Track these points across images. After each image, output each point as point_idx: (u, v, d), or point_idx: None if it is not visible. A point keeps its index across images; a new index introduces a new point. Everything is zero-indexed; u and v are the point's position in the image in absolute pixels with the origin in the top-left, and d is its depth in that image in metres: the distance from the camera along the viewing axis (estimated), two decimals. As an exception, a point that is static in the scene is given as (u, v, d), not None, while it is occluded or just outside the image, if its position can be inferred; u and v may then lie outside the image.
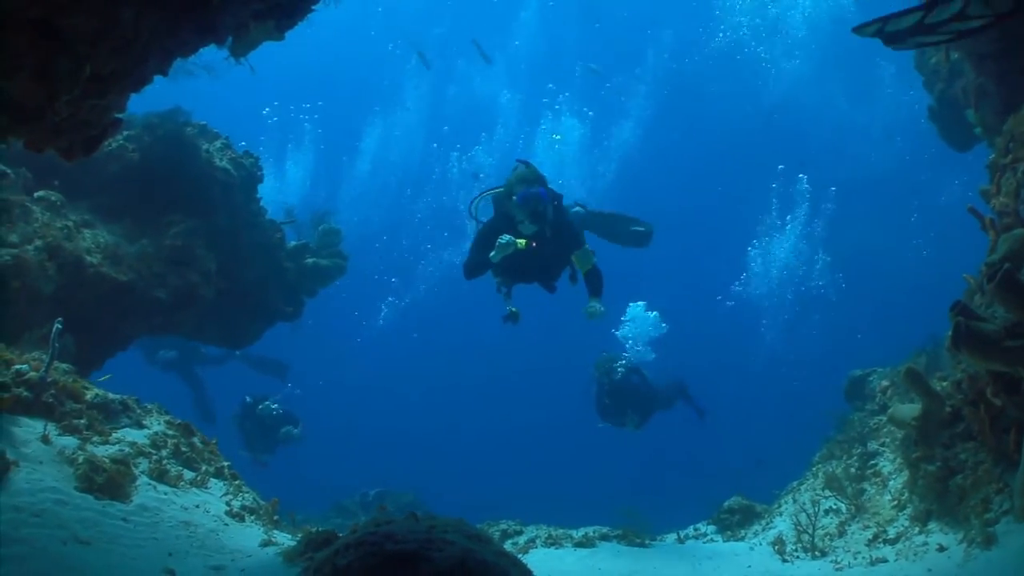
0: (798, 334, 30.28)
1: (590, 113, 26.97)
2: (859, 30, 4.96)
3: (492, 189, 9.58)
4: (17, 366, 6.18)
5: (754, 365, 31.23)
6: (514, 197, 9.01)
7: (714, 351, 28.71)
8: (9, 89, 3.65)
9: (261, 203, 11.92)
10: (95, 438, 6.22)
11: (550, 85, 27.26)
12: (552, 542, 9.61)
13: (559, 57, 30.36)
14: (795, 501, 9.78)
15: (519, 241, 8.88)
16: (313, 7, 5.66)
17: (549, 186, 9.21)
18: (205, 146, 10.90)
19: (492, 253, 8.87)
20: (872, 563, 6.84)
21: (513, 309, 9.31)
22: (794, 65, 26.40)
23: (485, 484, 27.29)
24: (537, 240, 9.04)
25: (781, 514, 9.85)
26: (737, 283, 26.87)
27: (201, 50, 5.04)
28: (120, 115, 4.73)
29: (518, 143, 27.83)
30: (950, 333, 4.70)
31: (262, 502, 7.19)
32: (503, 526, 10.50)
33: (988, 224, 6.12)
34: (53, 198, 8.80)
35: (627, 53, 30.52)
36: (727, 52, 26.71)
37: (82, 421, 6.33)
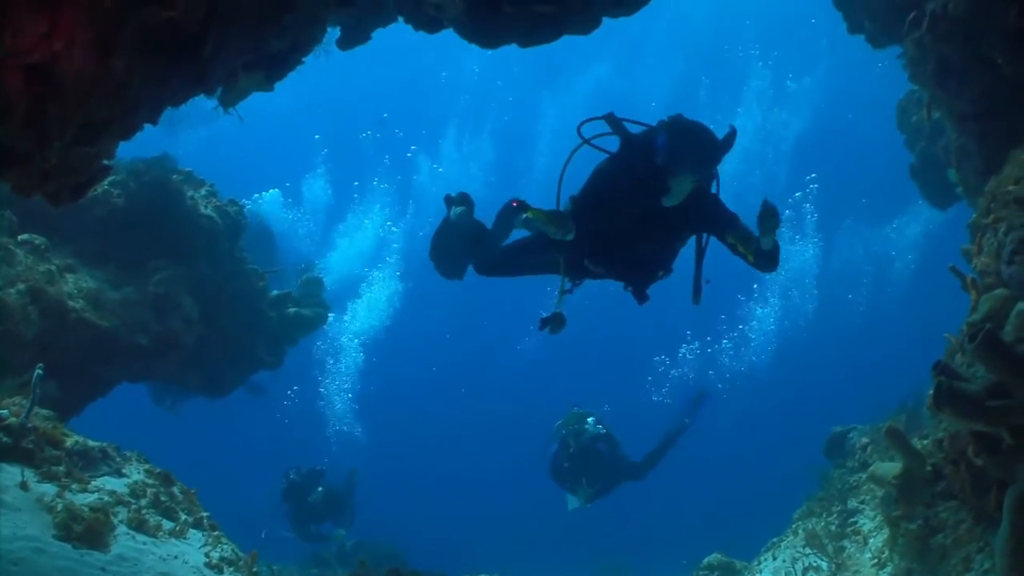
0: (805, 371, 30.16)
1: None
2: None
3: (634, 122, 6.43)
4: (-3, 411, 6.14)
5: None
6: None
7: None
8: (0, 134, 3.68)
9: (244, 251, 11.95)
10: (74, 486, 6.16)
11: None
12: (533, 597, 9.55)
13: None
14: (775, 558, 9.76)
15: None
16: (303, 59, 5.73)
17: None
18: (190, 193, 10.94)
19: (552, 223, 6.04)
20: (853, 622, 6.84)
21: (559, 311, 6.76)
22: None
23: (460, 532, 27.05)
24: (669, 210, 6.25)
25: (760, 571, 9.83)
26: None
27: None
28: (108, 161, 4.76)
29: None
30: (932, 393, 4.74)
31: (241, 554, 7.12)
32: (483, 580, 10.42)
33: (970, 284, 6.19)
34: (37, 242, 8.79)
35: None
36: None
37: (61, 468, 6.27)
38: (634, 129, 6.37)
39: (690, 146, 6.00)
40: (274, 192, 21.63)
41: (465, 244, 7.21)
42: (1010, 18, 6.24)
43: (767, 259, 6.22)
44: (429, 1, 5.79)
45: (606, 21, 6.38)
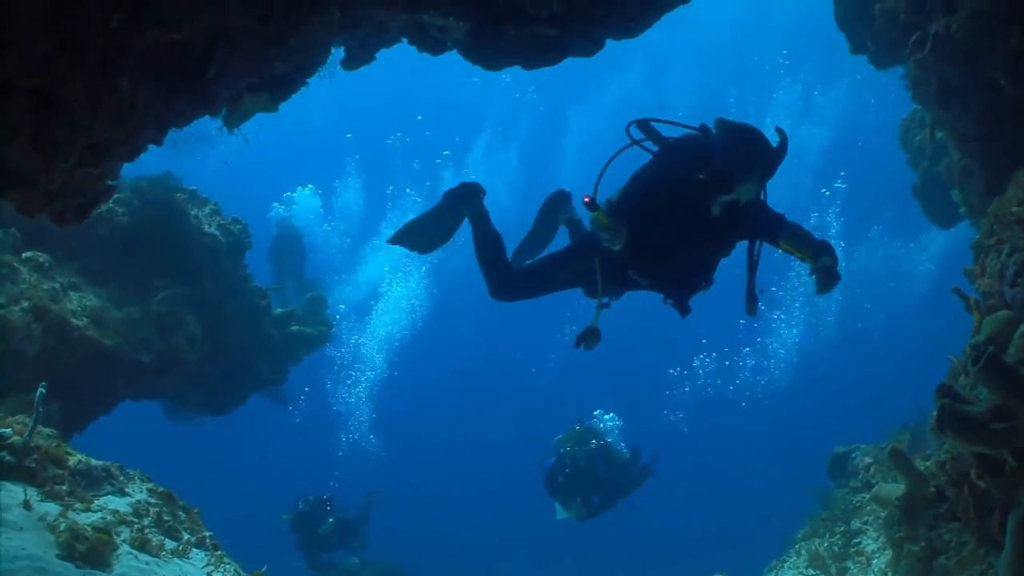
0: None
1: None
2: None
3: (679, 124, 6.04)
4: (0, 429, 6.13)
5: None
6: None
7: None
8: (5, 155, 3.69)
9: (248, 269, 11.98)
10: (77, 505, 6.14)
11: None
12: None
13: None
14: (779, 579, 9.74)
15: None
16: (307, 80, 5.76)
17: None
18: (194, 211, 10.97)
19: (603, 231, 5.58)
20: (857, 644, 6.81)
21: (595, 326, 6.16)
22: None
23: (459, 545, 26.93)
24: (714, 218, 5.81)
25: (764, 593, 9.80)
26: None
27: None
28: (113, 182, 4.78)
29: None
30: (935, 415, 4.74)
31: (244, 574, 7.10)
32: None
33: (973, 305, 6.19)
34: (41, 259, 8.81)
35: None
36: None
37: (64, 487, 6.26)
38: (669, 133, 6.07)
39: (754, 151, 5.70)
40: (307, 190, 21.18)
41: (480, 258, 6.46)
42: (1012, 40, 6.28)
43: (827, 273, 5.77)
44: (433, 24, 5.80)
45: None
